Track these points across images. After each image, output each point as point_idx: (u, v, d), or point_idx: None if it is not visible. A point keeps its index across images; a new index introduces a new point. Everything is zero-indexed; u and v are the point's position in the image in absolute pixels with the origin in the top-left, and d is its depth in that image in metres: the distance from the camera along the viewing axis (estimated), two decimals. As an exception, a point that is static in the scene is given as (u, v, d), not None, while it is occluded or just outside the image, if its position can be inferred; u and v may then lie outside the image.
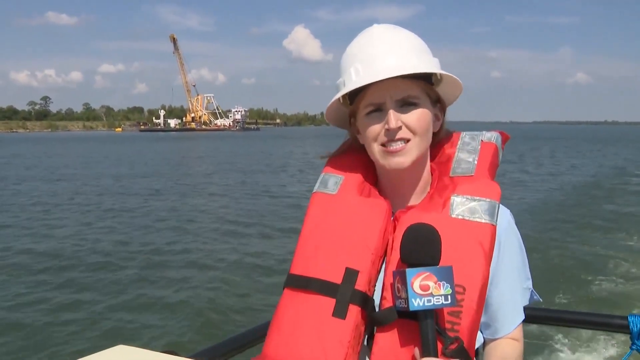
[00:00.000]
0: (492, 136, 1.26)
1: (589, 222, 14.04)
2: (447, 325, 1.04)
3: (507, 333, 1.19)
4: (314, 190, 1.26)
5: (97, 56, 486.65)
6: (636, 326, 1.58)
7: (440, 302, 0.98)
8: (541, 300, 1.27)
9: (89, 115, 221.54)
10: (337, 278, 1.11)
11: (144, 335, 7.08)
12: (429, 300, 0.98)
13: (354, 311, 1.09)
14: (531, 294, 1.26)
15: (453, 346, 1.02)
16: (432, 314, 1.01)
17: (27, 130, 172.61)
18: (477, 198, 1.13)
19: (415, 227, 1.04)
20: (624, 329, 1.61)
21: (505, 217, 1.19)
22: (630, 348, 1.60)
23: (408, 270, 0.99)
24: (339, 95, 1.18)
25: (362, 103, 1.16)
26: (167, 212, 16.93)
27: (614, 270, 9.54)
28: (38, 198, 19.68)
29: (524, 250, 1.23)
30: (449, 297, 0.99)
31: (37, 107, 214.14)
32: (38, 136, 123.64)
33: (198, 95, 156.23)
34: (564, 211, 15.80)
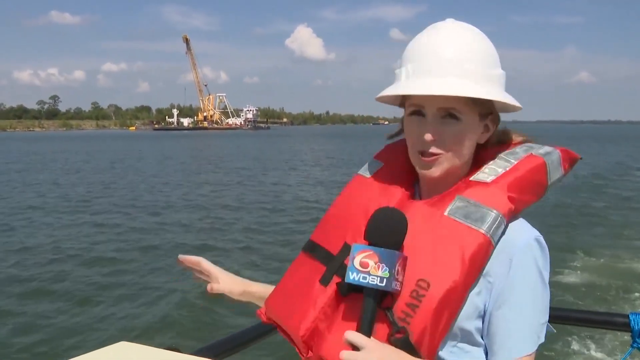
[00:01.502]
0: (545, 152, 1.16)
1: (585, 218, 14.10)
2: (401, 315, 1.04)
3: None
4: (357, 173, 1.30)
5: (100, 55, 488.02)
6: (637, 324, 1.58)
7: (375, 283, 0.99)
8: (554, 331, 1.22)
9: (98, 114, 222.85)
10: (335, 250, 1.17)
11: (147, 332, 7.11)
12: (364, 278, 1.00)
13: (335, 281, 1.13)
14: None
15: (399, 335, 1.02)
16: (375, 295, 1.01)
17: (44, 129, 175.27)
18: (479, 204, 1.09)
19: (383, 210, 1.07)
20: (625, 327, 1.61)
21: (524, 236, 1.11)
22: (631, 346, 1.60)
23: (354, 245, 1.03)
24: (386, 94, 1.16)
25: (407, 101, 1.16)
26: (192, 207, 17.34)
27: (611, 266, 9.50)
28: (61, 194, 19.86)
29: (545, 280, 1.12)
30: (385, 280, 0.99)
31: (46, 106, 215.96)
32: (58, 135, 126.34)
33: (210, 94, 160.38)
34: (562, 207, 15.84)
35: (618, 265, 9.63)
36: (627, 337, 1.62)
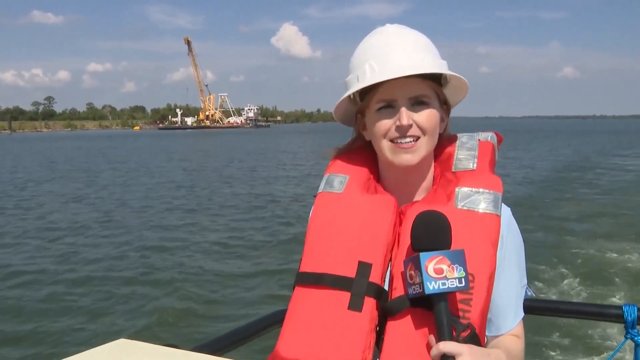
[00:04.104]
0: (488, 136, 1.30)
1: (569, 207, 14.32)
2: (459, 313, 1.05)
3: (510, 329, 1.20)
4: (319, 191, 1.28)
5: (85, 55, 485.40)
6: (630, 315, 1.60)
7: (455, 285, 0.99)
8: (534, 295, 1.29)
9: (95, 114, 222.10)
10: (350, 272, 1.13)
11: (146, 330, 7.07)
12: (443, 284, 0.98)
13: (369, 303, 1.10)
14: (525, 290, 1.27)
15: (465, 333, 1.02)
16: (446, 299, 1.01)
17: (50, 130, 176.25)
18: (481, 190, 1.16)
19: (425, 213, 1.07)
20: (618, 318, 1.63)
21: (506, 212, 1.20)
22: (625, 337, 1.62)
23: (422, 254, 1.00)
24: (354, 90, 1.19)
25: (374, 99, 1.18)
26: (194, 202, 17.52)
27: (601, 257, 9.53)
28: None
29: (523, 247, 1.24)
30: (463, 280, 0.99)
31: (41, 107, 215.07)
32: (69, 135, 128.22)
33: (210, 94, 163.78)
34: (541, 199, 16.18)
35: (608, 255, 9.64)
36: (620, 328, 1.64)
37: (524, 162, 29.42)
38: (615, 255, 9.75)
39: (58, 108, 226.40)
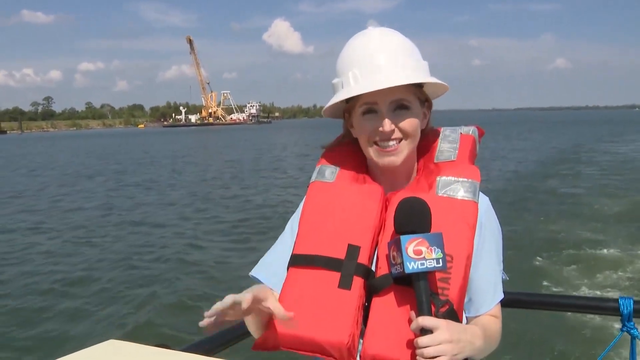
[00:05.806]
0: (469, 130, 1.38)
1: (559, 202, 14.25)
2: (438, 290, 1.14)
3: (488, 310, 1.28)
4: (312, 180, 1.36)
5: (76, 55, 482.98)
6: (626, 308, 1.60)
7: (433, 265, 1.07)
8: (507, 278, 1.33)
9: (94, 113, 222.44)
10: (340, 254, 1.21)
11: (136, 330, 6.95)
12: (422, 264, 1.06)
13: (357, 282, 1.19)
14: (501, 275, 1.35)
15: (443, 309, 1.11)
16: (426, 278, 1.09)
17: (56, 130, 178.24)
18: (460, 179, 1.25)
19: (407, 199, 1.15)
20: (614, 311, 1.63)
21: (484, 201, 1.29)
22: (621, 330, 1.62)
23: (402, 237, 1.08)
24: (339, 99, 1.28)
25: (358, 103, 1.26)
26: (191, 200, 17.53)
27: (590, 250, 9.48)
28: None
29: (501, 233, 1.33)
30: (440, 260, 1.07)
31: (40, 107, 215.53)
32: (77, 134, 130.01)
33: (212, 92, 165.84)
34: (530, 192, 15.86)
35: (603, 249, 9.57)
36: (617, 320, 1.64)
37: (519, 151, 30.98)
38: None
39: (54, 107, 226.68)
